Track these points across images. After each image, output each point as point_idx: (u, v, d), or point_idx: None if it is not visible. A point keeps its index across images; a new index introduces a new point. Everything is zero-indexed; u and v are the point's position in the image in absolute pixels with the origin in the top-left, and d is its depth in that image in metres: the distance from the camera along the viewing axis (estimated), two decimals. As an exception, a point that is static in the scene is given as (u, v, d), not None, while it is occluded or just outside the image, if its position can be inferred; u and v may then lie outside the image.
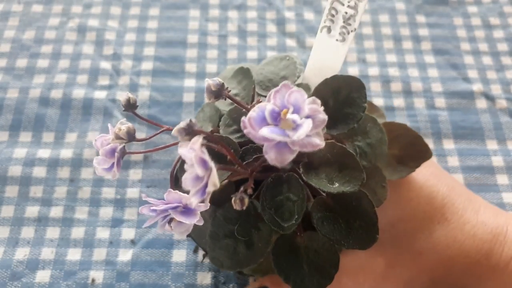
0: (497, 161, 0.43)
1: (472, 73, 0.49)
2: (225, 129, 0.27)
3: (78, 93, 0.46)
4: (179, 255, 0.38)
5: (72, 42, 0.50)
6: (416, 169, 0.31)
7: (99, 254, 0.38)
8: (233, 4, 0.53)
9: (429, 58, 0.50)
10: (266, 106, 0.20)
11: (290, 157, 0.20)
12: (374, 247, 0.31)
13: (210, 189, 0.19)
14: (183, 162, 0.26)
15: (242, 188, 0.22)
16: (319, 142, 0.20)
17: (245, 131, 0.20)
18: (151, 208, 0.23)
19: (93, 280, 0.37)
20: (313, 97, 0.20)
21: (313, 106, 0.20)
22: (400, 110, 0.46)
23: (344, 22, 0.28)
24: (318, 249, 0.26)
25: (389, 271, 0.31)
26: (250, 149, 0.26)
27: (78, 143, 0.43)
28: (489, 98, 0.47)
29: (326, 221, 0.25)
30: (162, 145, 0.26)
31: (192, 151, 0.19)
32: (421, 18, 0.52)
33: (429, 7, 0.53)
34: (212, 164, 0.19)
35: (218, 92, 0.24)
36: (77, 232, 0.39)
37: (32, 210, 0.40)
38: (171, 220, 0.23)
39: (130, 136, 0.25)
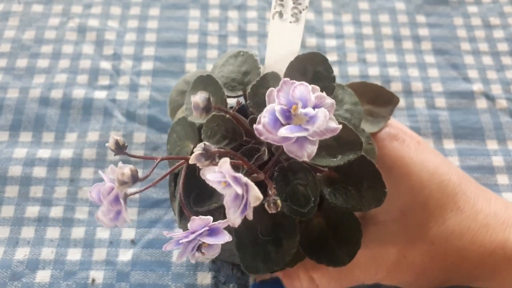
0: (497, 161, 0.43)
1: (472, 73, 0.49)
2: (210, 140, 0.27)
3: (78, 93, 0.46)
4: (179, 255, 0.38)
5: (72, 42, 0.50)
6: (426, 157, 0.32)
7: (99, 254, 0.38)
8: (233, 4, 0.53)
9: (429, 58, 0.50)
10: (275, 107, 0.20)
11: (314, 148, 0.20)
12: (386, 237, 0.31)
13: (254, 203, 0.19)
14: (186, 188, 0.26)
15: (269, 192, 0.22)
16: (336, 126, 0.20)
17: (262, 138, 0.20)
18: (179, 241, 0.22)
19: (93, 280, 0.37)
20: (312, 85, 0.20)
21: (318, 94, 0.20)
22: (400, 110, 0.46)
23: (294, 3, 0.27)
24: (338, 221, 0.27)
25: (401, 261, 0.30)
26: (246, 151, 0.26)
27: (78, 143, 0.43)
28: (489, 98, 0.47)
29: (337, 193, 0.26)
30: (157, 178, 0.26)
31: (221, 174, 0.19)
32: (421, 18, 0.52)
33: (429, 7, 0.53)
34: (246, 179, 0.19)
35: (208, 106, 0.24)
36: (77, 232, 0.39)
37: (32, 210, 0.40)
38: (199, 247, 0.23)
39: (135, 178, 0.23)
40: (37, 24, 0.51)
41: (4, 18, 0.51)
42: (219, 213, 0.24)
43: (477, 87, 0.48)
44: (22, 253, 0.38)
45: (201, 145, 0.20)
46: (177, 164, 0.26)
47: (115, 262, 0.38)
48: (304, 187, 0.25)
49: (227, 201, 0.20)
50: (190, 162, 0.20)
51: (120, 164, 0.24)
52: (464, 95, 0.47)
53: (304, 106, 0.20)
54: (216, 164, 0.20)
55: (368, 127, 0.31)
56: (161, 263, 0.38)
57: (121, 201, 0.23)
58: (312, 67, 0.27)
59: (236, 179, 0.19)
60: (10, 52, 0.49)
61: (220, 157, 0.20)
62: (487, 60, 0.50)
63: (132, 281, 0.37)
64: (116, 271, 0.37)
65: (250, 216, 0.20)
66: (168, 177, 0.31)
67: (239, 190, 0.19)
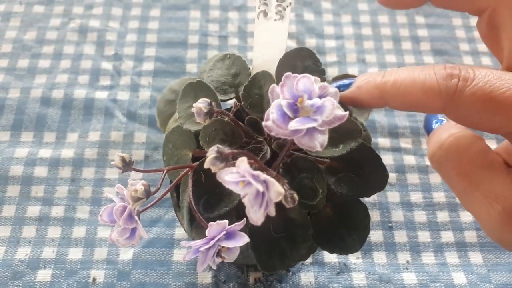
0: (496, 161, 0.44)
1: (471, 74, 0.49)
2: (209, 146, 0.27)
3: (80, 93, 0.46)
4: (180, 254, 0.38)
5: (74, 42, 0.50)
6: None
7: (100, 253, 0.38)
8: (234, 5, 0.53)
9: (428, 59, 0.50)
10: (281, 102, 0.20)
11: (325, 137, 0.20)
12: None
13: (276, 199, 0.19)
14: (194, 196, 0.25)
15: (284, 187, 0.22)
16: (343, 113, 0.20)
17: (273, 133, 0.20)
18: (198, 249, 0.22)
19: (94, 279, 0.37)
20: (314, 76, 0.21)
21: (321, 84, 0.20)
22: (401, 110, 0.46)
23: (277, 0, 0.28)
24: (345, 209, 0.27)
25: None
26: (250, 152, 0.26)
27: (79, 143, 0.44)
28: (488, 98, 0.47)
29: (341, 182, 0.26)
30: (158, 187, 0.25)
31: (238, 174, 0.19)
32: (420, 19, 0.53)
33: (428, 7, 0.54)
34: (265, 176, 0.19)
35: (210, 111, 0.24)
36: (78, 232, 0.39)
37: (34, 210, 0.40)
38: (218, 252, 0.23)
39: (148, 192, 0.24)
40: (39, 25, 0.51)
41: (6, 18, 0.51)
42: (230, 217, 0.24)
43: (476, 87, 0.48)
44: (23, 253, 0.38)
45: (214, 148, 0.20)
46: (181, 173, 0.26)
47: (116, 261, 0.38)
48: (310, 180, 0.25)
49: (249, 200, 0.20)
50: (205, 166, 0.20)
51: (130, 181, 0.24)
52: (463, 96, 0.47)
53: (309, 98, 0.20)
54: (231, 166, 0.20)
55: (356, 115, 0.32)
56: (161, 262, 0.38)
57: (136, 218, 0.23)
58: (301, 62, 0.27)
59: (255, 177, 0.19)
60: (11, 52, 0.49)
61: (233, 159, 0.20)
62: (486, 60, 0.50)
63: (133, 280, 0.37)
64: (117, 270, 0.38)
65: (273, 213, 0.20)
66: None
67: (260, 188, 0.19)
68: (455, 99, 0.20)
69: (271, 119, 0.20)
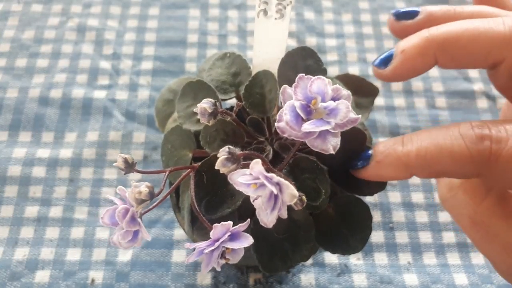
0: (498, 160, 0.43)
1: (473, 73, 0.49)
2: (210, 146, 0.27)
3: (78, 92, 0.46)
4: (179, 255, 0.38)
5: (72, 41, 0.49)
6: None
7: (99, 254, 0.38)
8: (233, 4, 0.53)
9: (430, 58, 0.50)
10: (294, 104, 0.20)
11: (338, 140, 0.20)
12: None
13: (290, 201, 0.19)
14: (196, 197, 0.25)
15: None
16: (356, 116, 0.20)
17: (285, 135, 0.20)
18: (203, 251, 0.22)
19: (92, 280, 0.37)
20: (328, 79, 0.20)
21: (335, 86, 0.20)
22: (401, 110, 0.46)
23: None
24: (348, 210, 0.27)
25: None
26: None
27: (78, 143, 0.43)
28: (490, 97, 0.47)
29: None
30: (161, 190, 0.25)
31: (251, 176, 0.19)
32: (421, 18, 0.52)
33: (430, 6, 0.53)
34: (278, 178, 0.19)
35: (214, 111, 0.24)
36: (77, 232, 0.39)
37: (32, 210, 0.40)
38: (223, 253, 0.23)
39: (152, 194, 0.23)
40: (37, 24, 0.51)
41: (4, 17, 0.51)
42: (233, 217, 0.24)
43: (477, 86, 0.48)
44: (21, 253, 0.38)
45: (225, 149, 0.20)
46: (183, 174, 0.26)
47: (115, 262, 0.38)
48: (313, 181, 0.25)
49: (262, 203, 0.19)
50: (216, 167, 0.20)
51: (134, 183, 0.23)
52: (464, 95, 0.47)
53: (323, 100, 0.20)
54: (242, 167, 0.20)
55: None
56: (160, 263, 0.38)
57: (139, 220, 0.23)
58: (302, 61, 0.27)
59: (269, 179, 0.19)
60: (9, 51, 0.49)
61: (244, 160, 0.20)
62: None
63: (132, 281, 0.37)
64: (116, 271, 0.37)
65: (285, 215, 0.20)
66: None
67: (275, 190, 0.19)
68: (491, 164, 0.18)
69: (285, 121, 0.20)
